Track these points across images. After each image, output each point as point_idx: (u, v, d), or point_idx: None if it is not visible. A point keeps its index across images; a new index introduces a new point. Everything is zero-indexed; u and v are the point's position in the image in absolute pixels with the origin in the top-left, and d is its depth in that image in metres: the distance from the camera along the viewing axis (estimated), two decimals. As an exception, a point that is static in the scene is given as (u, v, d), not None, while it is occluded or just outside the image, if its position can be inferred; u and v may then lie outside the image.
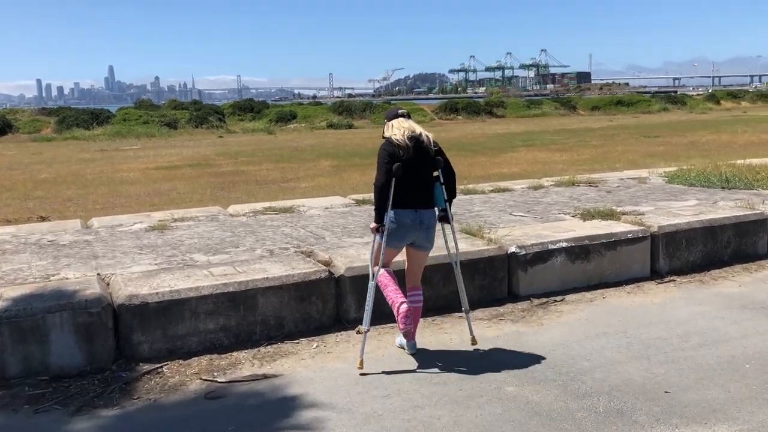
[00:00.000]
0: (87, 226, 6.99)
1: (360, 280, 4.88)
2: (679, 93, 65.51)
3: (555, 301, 5.36)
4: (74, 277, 4.86)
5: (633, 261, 5.88)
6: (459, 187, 7.81)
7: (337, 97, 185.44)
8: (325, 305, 4.85)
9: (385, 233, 4.18)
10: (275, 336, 4.69)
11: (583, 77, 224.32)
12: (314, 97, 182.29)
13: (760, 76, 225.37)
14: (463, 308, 4.58)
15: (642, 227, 6.00)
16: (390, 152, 4.15)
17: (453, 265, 4.62)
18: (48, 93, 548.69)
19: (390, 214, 4.17)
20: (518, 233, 5.83)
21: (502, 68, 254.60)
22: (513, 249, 5.45)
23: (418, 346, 4.47)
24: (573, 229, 5.98)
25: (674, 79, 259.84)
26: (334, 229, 6.45)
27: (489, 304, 5.31)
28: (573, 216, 6.66)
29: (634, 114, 44.94)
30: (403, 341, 4.49)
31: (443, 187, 4.31)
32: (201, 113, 36.11)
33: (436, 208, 4.36)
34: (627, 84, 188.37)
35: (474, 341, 4.50)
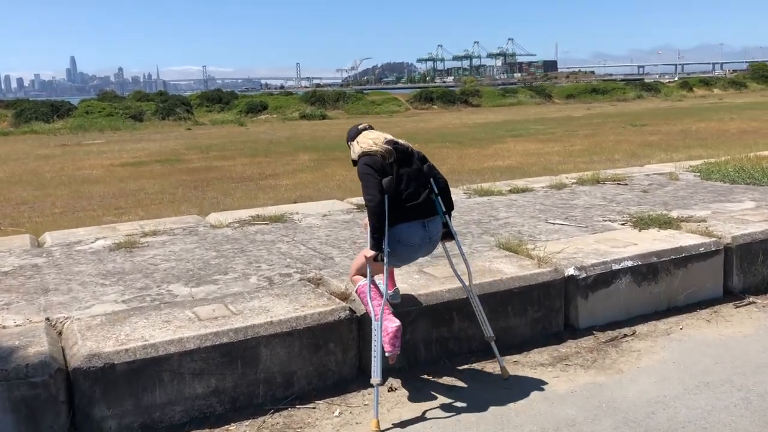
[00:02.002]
0: (38, 244, 5.77)
1: (389, 319, 3.80)
2: (653, 81, 65.44)
3: (625, 335, 4.34)
4: (14, 324, 3.68)
5: (704, 280, 4.89)
6: (470, 186, 6.75)
7: (305, 87, 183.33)
8: (345, 354, 3.75)
9: (390, 256, 3.50)
10: (283, 398, 3.58)
11: (550, 66, 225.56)
12: (282, 87, 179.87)
13: (722, 64, 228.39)
14: (486, 335, 3.80)
15: (713, 238, 5.00)
16: (372, 164, 3.51)
17: (469, 295, 3.80)
18: (7, 85, 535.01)
19: (394, 231, 3.49)
20: (570, 249, 4.79)
21: (469, 57, 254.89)
22: (571, 271, 4.41)
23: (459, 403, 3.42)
24: (632, 242, 4.96)
25: (639, 66, 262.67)
26: (341, 244, 5.33)
27: (545, 341, 4.26)
28: (623, 224, 5.63)
29: (611, 102, 44.55)
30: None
31: (438, 198, 3.66)
32: (167, 105, 34.57)
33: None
34: (593, 72, 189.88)
35: (504, 372, 3.80)
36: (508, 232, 5.47)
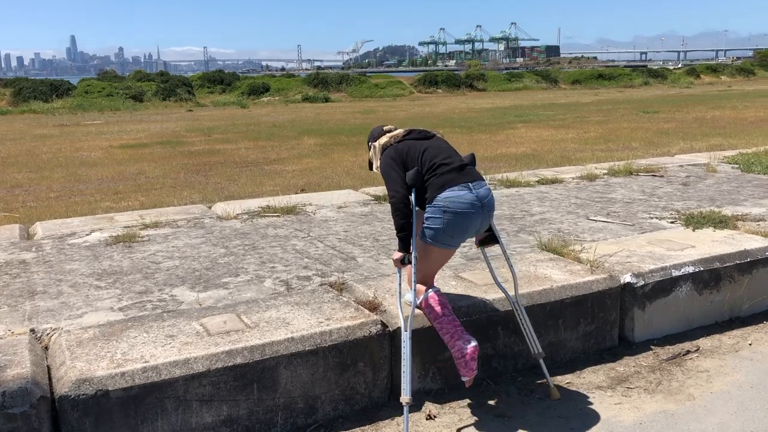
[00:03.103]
0: (28, 236, 5.25)
1: (423, 334, 3.29)
2: (659, 67, 64.72)
3: (688, 352, 3.83)
4: (-7, 337, 3.17)
5: (768, 287, 4.38)
6: (494, 176, 6.31)
7: (306, 69, 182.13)
8: (376, 374, 3.25)
9: (438, 231, 3.05)
10: (305, 426, 3.08)
11: (552, 51, 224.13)
12: (283, 69, 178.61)
13: (725, 51, 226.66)
14: (533, 352, 3.36)
15: (778, 241, 4.49)
16: (394, 156, 3.17)
17: (515, 307, 3.37)
18: (7, 63, 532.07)
19: (436, 203, 3.05)
20: (622, 252, 4.27)
21: (472, 41, 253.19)
22: (628, 278, 3.89)
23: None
24: (689, 243, 4.44)
25: (641, 53, 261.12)
26: (362, 241, 4.82)
27: (599, 358, 3.76)
28: (672, 222, 5.11)
29: (618, 88, 43.95)
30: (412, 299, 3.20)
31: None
32: (168, 85, 33.91)
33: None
34: (595, 58, 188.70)
35: (554, 393, 3.34)
36: (547, 231, 4.95)
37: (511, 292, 3.40)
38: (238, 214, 5.74)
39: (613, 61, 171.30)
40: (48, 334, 3.21)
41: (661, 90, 41.11)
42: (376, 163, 3.29)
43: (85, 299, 3.66)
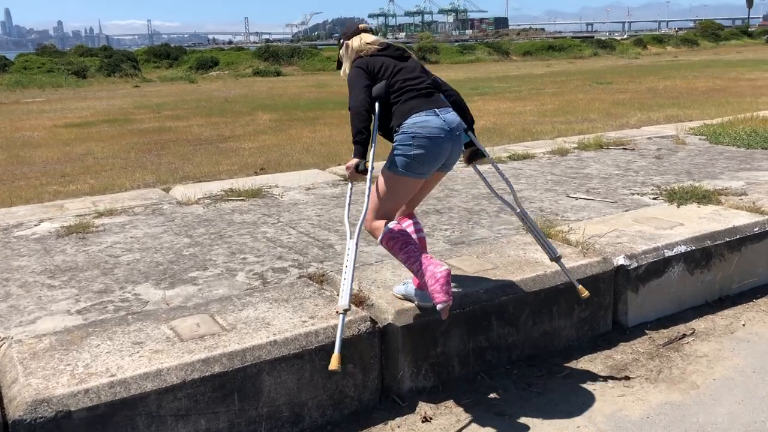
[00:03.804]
0: (-32, 228, 4.81)
1: (417, 330, 3.06)
2: (608, 38, 65.45)
3: (684, 335, 3.68)
4: (-67, 351, 2.80)
5: (756, 264, 4.27)
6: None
7: (255, 42, 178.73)
8: (366, 375, 3.00)
9: (406, 158, 2.91)
10: (292, 435, 2.82)
11: (501, 22, 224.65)
12: (230, 42, 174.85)
13: (668, 22, 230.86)
14: (550, 257, 3.24)
15: (765, 216, 4.37)
16: (365, 66, 3.03)
17: (521, 216, 3.29)
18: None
19: (403, 128, 2.93)
20: (612, 233, 4.09)
21: (421, 13, 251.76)
22: (621, 260, 3.71)
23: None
24: (677, 221, 4.29)
25: (587, 24, 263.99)
26: (337, 226, 4.54)
27: (594, 345, 3.58)
28: (654, 198, 4.97)
29: (568, 59, 44.20)
30: (415, 293, 3.08)
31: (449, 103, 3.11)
32: (113, 60, 32.70)
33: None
34: (543, 30, 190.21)
35: (583, 292, 3.21)
36: (528, 210, 4.74)
37: (515, 206, 3.32)
38: (199, 199, 5.39)
39: (561, 32, 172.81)
40: (-3, 344, 2.86)
41: (611, 61, 41.46)
42: (345, 65, 3.17)
43: (38, 301, 3.30)
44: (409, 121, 2.92)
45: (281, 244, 4.15)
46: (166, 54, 38.43)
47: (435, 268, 2.83)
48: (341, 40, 3.21)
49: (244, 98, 20.38)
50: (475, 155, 3.33)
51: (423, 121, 2.91)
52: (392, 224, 2.99)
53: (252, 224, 4.64)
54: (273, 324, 2.92)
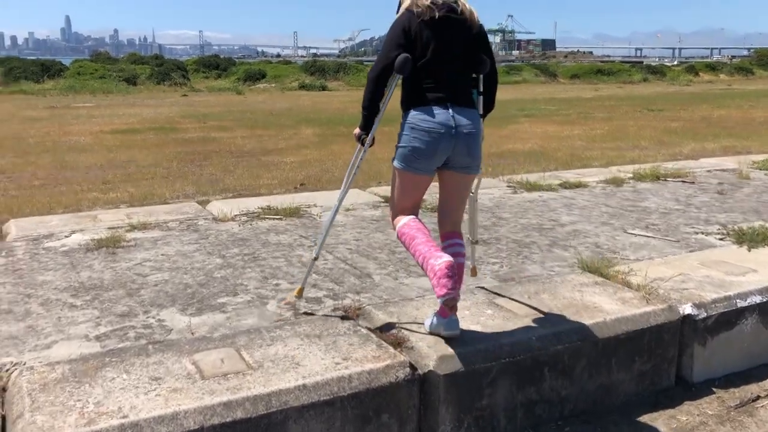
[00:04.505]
0: (1, 236, 4.68)
1: (461, 379, 2.76)
2: (658, 64, 64.42)
3: (758, 397, 3.31)
4: (-61, 374, 2.61)
5: (837, 318, 3.87)
6: (512, 177, 5.99)
7: (302, 56, 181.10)
8: (402, 427, 2.70)
9: (402, 150, 2.85)
10: (318, 491, 2.55)
11: (548, 44, 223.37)
12: (278, 55, 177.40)
13: (720, 49, 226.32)
14: (471, 240, 3.35)
15: None
16: (404, 27, 2.78)
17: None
18: (0, 43, 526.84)
19: (408, 117, 2.83)
20: (678, 277, 3.73)
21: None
22: (688, 309, 3.37)
23: None
24: (748, 266, 3.92)
25: (636, 49, 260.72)
26: (376, 254, 4.27)
27: (655, 402, 3.23)
28: (720, 238, 4.59)
29: (617, 84, 43.41)
30: (437, 321, 2.88)
31: (480, 98, 2.97)
32: (163, 69, 33.17)
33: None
34: (591, 53, 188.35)
35: (474, 272, 3.40)
36: (583, 246, 4.42)
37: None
38: (235, 216, 5.19)
39: (609, 56, 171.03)
40: (7, 370, 2.66)
41: (661, 87, 40.60)
42: (403, 6, 2.89)
43: (57, 323, 3.10)
44: (414, 111, 2.82)
45: (316, 271, 3.89)
46: (215, 65, 38.88)
47: (435, 261, 2.68)
48: None
49: (288, 111, 20.38)
50: None
51: (427, 115, 2.79)
52: (405, 219, 2.91)
53: (288, 246, 4.41)
54: (303, 364, 2.66)
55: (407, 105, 2.86)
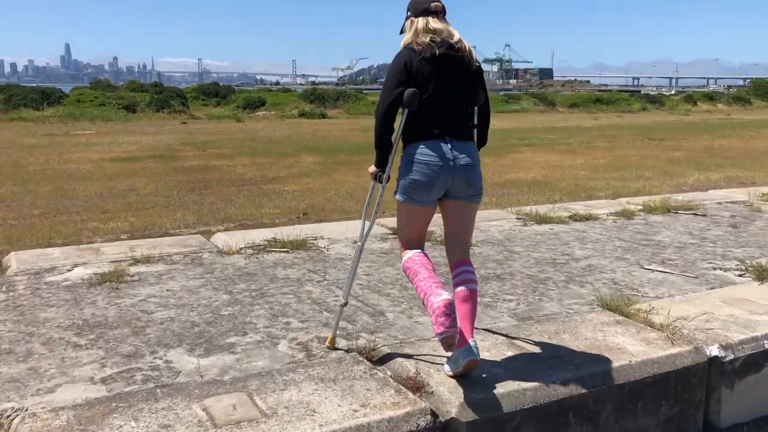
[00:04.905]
0: (0, 269, 4.56)
1: (485, 427, 2.63)
2: (657, 93, 64.93)
3: (790, 443, 3.19)
4: (-64, 422, 2.47)
5: None
6: (521, 209, 5.92)
7: (301, 84, 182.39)
8: (424, 477, 2.57)
9: (402, 183, 2.93)
10: None
11: (546, 73, 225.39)
12: (277, 83, 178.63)
13: (716, 79, 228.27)
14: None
15: None
16: (406, 63, 2.86)
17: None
18: (0, 70, 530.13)
19: (408, 150, 2.92)
20: (702, 316, 3.62)
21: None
22: (715, 351, 3.25)
23: None
24: (773, 305, 3.81)
25: (633, 78, 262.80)
26: (388, 289, 4.15)
27: (683, 449, 3.10)
28: (740, 275, 4.49)
29: (616, 113, 43.58)
30: (456, 354, 2.81)
31: (475, 131, 3.07)
32: (162, 96, 33.25)
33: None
34: (588, 82, 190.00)
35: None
36: (600, 281, 4.31)
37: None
38: (241, 248, 5.08)
39: (606, 85, 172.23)
40: (8, 416, 2.52)
41: (660, 116, 40.79)
42: (404, 38, 2.97)
43: (60, 364, 2.97)
44: (414, 145, 2.91)
45: (327, 308, 3.78)
46: (214, 92, 39.03)
47: (434, 299, 2.71)
48: (408, 14, 3.00)
49: (288, 139, 20.35)
50: None
51: (426, 149, 2.88)
52: (410, 254, 2.96)
53: (296, 281, 4.29)
54: (319, 411, 2.53)
55: (407, 139, 2.95)
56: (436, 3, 2.94)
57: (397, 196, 2.97)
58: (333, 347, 3.19)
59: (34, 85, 41.02)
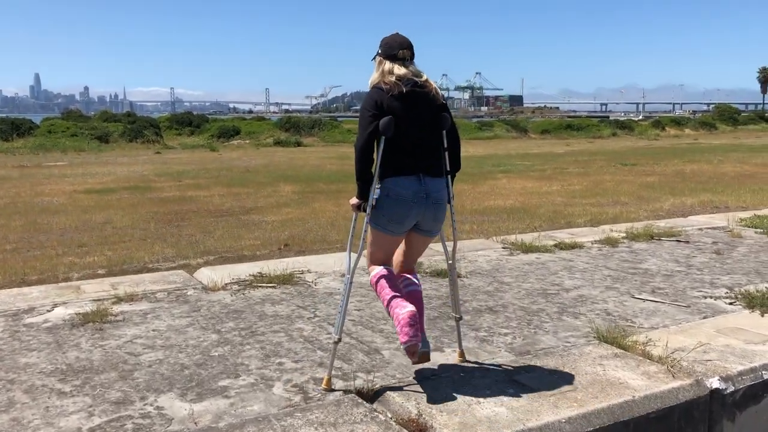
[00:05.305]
0: (-25, 311, 4.40)
1: (492, 469, 2.55)
2: (626, 119, 66.17)
3: (794, 477, 3.15)
4: None
5: None
6: (506, 238, 6.08)
7: (274, 112, 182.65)
8: None
9: (377, 214, 3.10)
10: None
11: (516, 100, 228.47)
12: (251, 111, 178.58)
13: (682, 104, 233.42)
14: (455, 316, 3.45)
15: None
16: (377, 101, 3.08)
17: (448, 266, 3.43)
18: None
19: (384, 185, 3.08)
20: (699, 347, 3.60)
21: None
22: (716, 383, 3.22)
23: None
24: (767, 334, 3.80)
25: (602, 104, 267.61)
26: (381, 325, 4.07)
27: (689, 486, 3.05)
28: (731, 303, 4.49)
29: (587, 139, 44.21)
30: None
31: (446, 154, 3.24)
32: (136, 126, 33.00)
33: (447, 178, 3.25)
34: (557, 108, 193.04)
35: (462, 355, 3.44)
36: (593, 312, 4.28)
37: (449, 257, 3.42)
38: (226, 284, 4.97)
39: (575, 111, 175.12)
40: (-7, 473, 2.39)
41: (631, 141, 41.44)
42: (372, 77, 3.18)
43: (45, 414, 2.84)
44: (389, 180, 3.07)
45: (321, 346, 3.68)
46: (188, 121, 38.86)
47: (399, 310, 2.98)
48: (378, 51, 3.18)
49: (265, 168, 20.24)
50: None
51: (401, 184, 3.06)
52: (378, 270, 3.19)
53: (286, 318, 4.19)
54: (322, 459, 2.43)
55: (382, 174, 3.09)
56: (404, 50, 3.12)
57: (372, 224, 3.15)
58: (330, 389, 3.12)
59: (3, 115, 40.46)
